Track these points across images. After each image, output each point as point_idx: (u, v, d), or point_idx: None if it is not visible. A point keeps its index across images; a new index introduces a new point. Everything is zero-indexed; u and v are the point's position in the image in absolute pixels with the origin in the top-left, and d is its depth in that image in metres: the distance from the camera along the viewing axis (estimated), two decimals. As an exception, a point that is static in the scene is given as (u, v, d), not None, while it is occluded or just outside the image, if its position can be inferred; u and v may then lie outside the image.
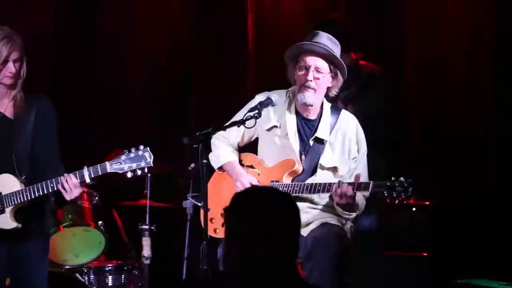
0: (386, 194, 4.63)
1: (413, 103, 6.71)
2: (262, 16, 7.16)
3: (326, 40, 4.91)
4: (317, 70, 4.88)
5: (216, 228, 5.04)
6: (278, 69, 5.24)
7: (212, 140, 4.97)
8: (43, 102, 4.63)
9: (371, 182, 4.72)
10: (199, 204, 4.95)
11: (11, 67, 4.48)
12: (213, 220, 5.02)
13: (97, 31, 7.22)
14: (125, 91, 7.29)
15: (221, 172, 5.15)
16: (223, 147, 5.11)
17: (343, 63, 4.92)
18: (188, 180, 5.42)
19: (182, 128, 6.36)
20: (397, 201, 4.65)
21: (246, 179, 5.00)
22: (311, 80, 4.87)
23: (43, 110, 4.60)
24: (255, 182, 5.00)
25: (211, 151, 5.03)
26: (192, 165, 5.37)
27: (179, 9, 7.29)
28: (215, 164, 5.10)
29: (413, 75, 6.67)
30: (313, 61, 4.87)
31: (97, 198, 6.02)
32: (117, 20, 7.25)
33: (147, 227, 5.83)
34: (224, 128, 4.76)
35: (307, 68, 4.88)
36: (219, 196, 5.04)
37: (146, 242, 5.79)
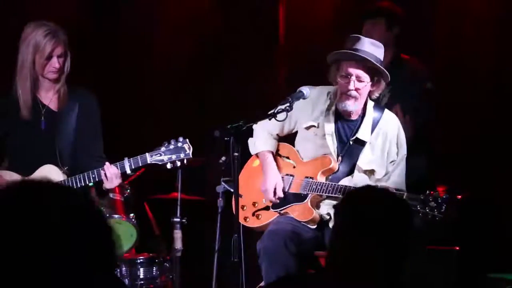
0: (418, 208, 4.56)
1: (443, 97, 6.66)
2: (293, 8, 7.13)
3: (368, 46, 4.84)
4: (358, 79, 4.82)
5: (247, 217, 5.05)
6: (309, 64, 5.23)
7: (254, 126, 4.99)
8: (87, 95, 4.79)
9: (405, 193, 4.65)
10: (232, 190, 4.98)
11: (55, 62, 4.59)
12: (244, 208, 5.04)
13: (121, 26, 7.21)
14: (152, 85, 7.28)
15: (257, 158, 5.15)
16: (262, 135, 5.12)
17: (385, 70, 4.85)
18: (219, 173, 5.44)
19: (210, 122, 6.36)
20: (429, 216, 4.56)
21: (270, 181, 4.98)
22: (352, 90, 4.83)
23: (86, 103, 4.75)
24: (279, 185, 4.97)
25: (243, 143, 5.02)
26: (223, 158, 5.40)
27: (207, 3, 7.28)
28: (252, 150, 5.14)
29: (442, 71, 6.60)
30: (354, 70, 4.82)
31: (128, 191, 6.05)
32: (142, 16, 7.24)
33: (178, 220, 5.86)
34: (255, 121, 4.76)
35: (348, 77, 4.83)
36: (251, 183, 5.05)
37: (177, 235, 5.81)
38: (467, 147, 6.46)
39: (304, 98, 4.77)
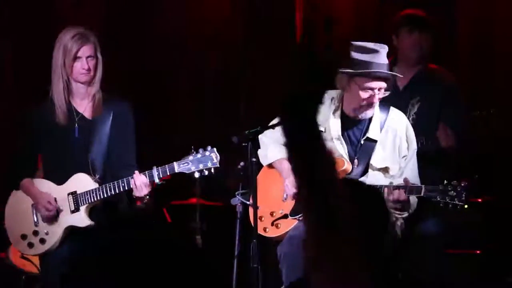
0: (438, 199, 4.55)
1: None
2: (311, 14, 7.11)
3: (384, 58, 4.83)
4: (380, 89, 4.84)
5: (266, 227, 5.00)
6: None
7: (259, 136, 4.95)
8: (121, 104, 4.78)
9: (423, 186, 4.63)
10: (248, 202, 4.95)
11: (84, 64, 4.61)
12: (262, 218, 4.98)
13: (150, 36, 7.22)
14: (176, 92, 7.29)
15: (269, 168, 5.12)
16: (271, 144, 5.08)
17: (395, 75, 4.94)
18: (237, 178, 5.44)
19: (232, 128, 6.36)
20: (450, 206, 4.54)
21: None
22: (376, 102, 4.86)
23: (121, 112, 4.75)
24: None
25: (259, 148, 5.01)
26: (241, 163, 5.39)
27: (229, 10, 7.27)
28: (264, 161, 5.08)
29: (465, 72, 6.55)
30: (379, 84, 4.82)
31: (148, 197, 6.05)
32: (169, 20, 7.26)
33: (197, 225, 5.86)
34: (272, 127, 4.74)
35: (372, 89, 4.82)
36: (267, 193, 5.01)
37: (196, 240, 5.82)
38: (491, 151, 6.41)
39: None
